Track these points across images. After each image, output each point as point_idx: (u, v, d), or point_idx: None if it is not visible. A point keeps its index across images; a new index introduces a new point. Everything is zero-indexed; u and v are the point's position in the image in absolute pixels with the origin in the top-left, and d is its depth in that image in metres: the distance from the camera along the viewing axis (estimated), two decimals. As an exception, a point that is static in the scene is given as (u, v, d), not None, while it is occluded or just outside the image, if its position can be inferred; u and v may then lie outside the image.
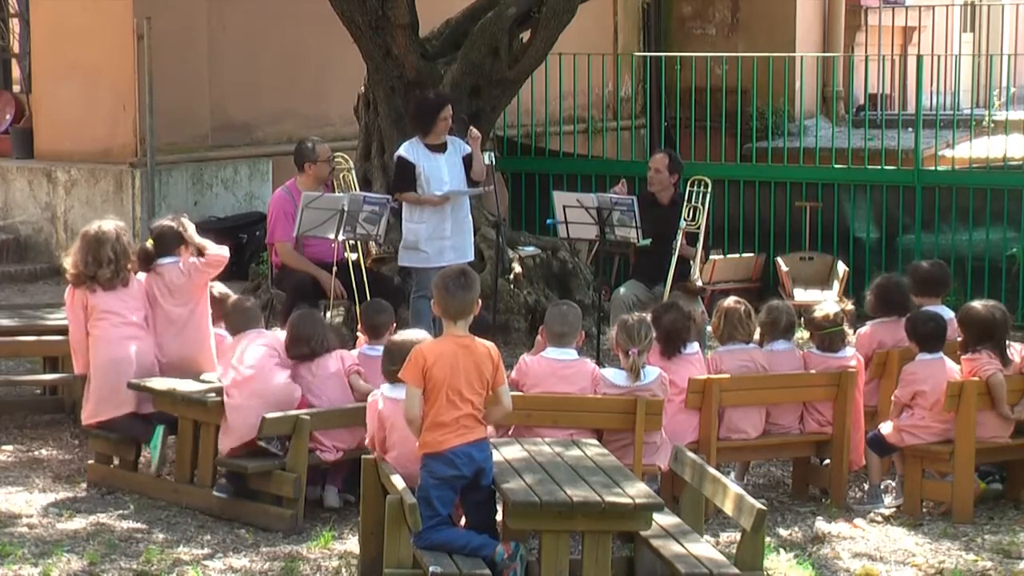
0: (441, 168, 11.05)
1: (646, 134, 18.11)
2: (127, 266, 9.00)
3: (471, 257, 11.18)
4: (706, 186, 11.38)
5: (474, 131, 11.22)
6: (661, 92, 16.09)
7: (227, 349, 8.67)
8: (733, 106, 16.35)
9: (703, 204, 11.33)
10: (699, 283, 11.20)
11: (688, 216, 11.30)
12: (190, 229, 9.13)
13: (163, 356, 9.06)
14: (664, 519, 7.14)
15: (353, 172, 11.49)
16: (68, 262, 9.04)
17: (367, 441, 7.68)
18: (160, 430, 8.74)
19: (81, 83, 15.27)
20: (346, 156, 11.68)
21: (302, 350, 8.57)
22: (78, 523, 8.32)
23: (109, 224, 9.10)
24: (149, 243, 9.20)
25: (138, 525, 8.32)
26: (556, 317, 8.38)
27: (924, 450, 8.75)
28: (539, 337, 8.59)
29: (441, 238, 11.03)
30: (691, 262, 11.16)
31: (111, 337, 8.91)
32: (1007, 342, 8.92)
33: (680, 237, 11.17)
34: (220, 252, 9.14)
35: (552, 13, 12.54)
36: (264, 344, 8.52)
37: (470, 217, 11.34)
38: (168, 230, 9.17)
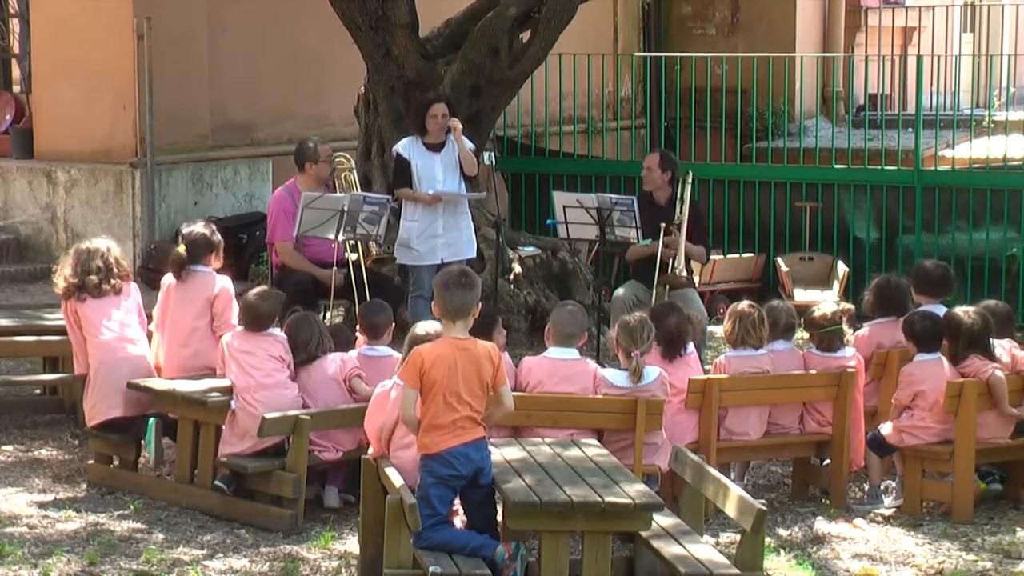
0: (435, 167, 11.04)
1: (646, 134, 18.11)
2: (119, 276, 9.12)
3: (472, 254, 11.16)
4: (688, 174, 11.25)
5: (453, 120, 11.12)
6: (661, 92, 16.08)
7: (234, 347, 8.64)
8: (733, 106, 16.35)
9: (683, 196, 11.16)
10: (683, 273, 11.02)
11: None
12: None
13: (177, 361, 9.10)
14: (664, 519, 7.13)
15: (354, 172, 11.48)
16: (58, 277, 9.18)
17: (371, 434, 7.52)
18: (152, 423, 8.75)
19: (81, 83, 15.25)
20: (347, 156, 11.67)
21: (301, 356, 8.61)
22: (78, 523, 8.32)
23: (99, 241, 9.31)
24: (181, 248, 9.24)
25: (138, 525, 8.32)
26: (566, 318, 8.38)
27: (924, 450, 8.74)
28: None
29: (433, 236, 11.03)
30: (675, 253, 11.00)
31: (105, 342, 8.98)
32: (991, 341, 8.88)
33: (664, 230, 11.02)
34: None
35: (552, 13, 12.53)
36: (276, 357, 8.51)
37: (469, 214, 11.32)
38: (200, 237, 9.26)
